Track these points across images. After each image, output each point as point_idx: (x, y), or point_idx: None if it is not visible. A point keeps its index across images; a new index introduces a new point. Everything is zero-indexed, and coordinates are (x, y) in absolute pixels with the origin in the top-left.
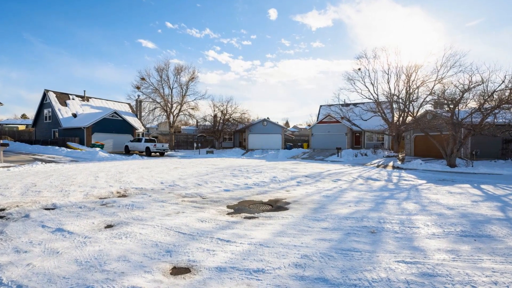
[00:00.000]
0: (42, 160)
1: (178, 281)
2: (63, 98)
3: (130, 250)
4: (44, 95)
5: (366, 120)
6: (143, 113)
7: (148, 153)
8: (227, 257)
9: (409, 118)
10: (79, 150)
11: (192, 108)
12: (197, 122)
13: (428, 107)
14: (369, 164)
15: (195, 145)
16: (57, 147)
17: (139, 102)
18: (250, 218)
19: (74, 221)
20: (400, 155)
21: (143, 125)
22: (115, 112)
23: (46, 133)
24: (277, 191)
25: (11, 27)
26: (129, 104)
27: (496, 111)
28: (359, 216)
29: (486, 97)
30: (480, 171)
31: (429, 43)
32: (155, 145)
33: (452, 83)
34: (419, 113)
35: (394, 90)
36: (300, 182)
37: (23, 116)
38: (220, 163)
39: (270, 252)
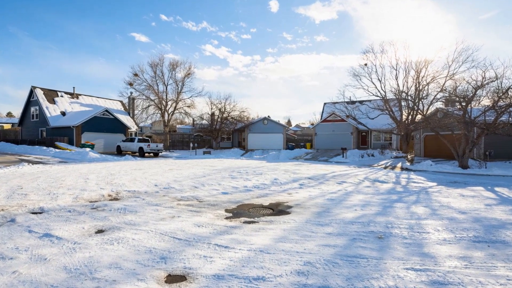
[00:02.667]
0: (29, 161)
1: None
2: (51, 95)
3: (122, 257)
4: (31, 92)
5: (373, 119)
6: (136, 111)
7: (141, 153)
8: (225, 264)
9: (419, 117)
10: (68, 151)
11: (188, 106)
12: (193, 120)
13: (439, 104)
14: (376, 165)
15: (191, 145)
16: (44, 147)
17: (131, 100)
18: (249, 222)
19: (63, 226)
20: (409, 156)
21: (136, 124)
22: (106, 110)
23: (33, 132)
24: (278, 194)
25: None
26: (121, 101)
27: (511, 109)
28: (365, 220)
29: (501, 94)
30: (494, 173)
31: (440, 37)
32: (149, 145)
33: (464, 79)
34: (429, 111)
35: (403, 86)
36: (303, 184)
37: (9, 114)
38: (218, 164)
39: (271, 258)
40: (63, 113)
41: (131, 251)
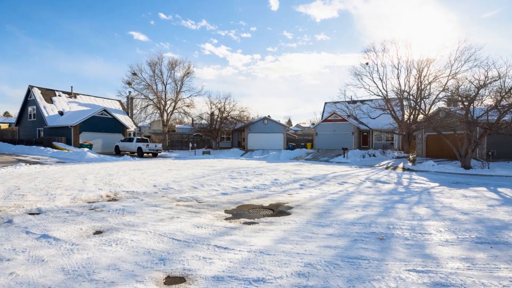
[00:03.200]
0: (26, 161)
1: None
2: (49, 94)
3: (120, 258)
4: (29, 92)
5: (374, 119)
6: (134, 111)
7: (140, 153)
8: (225, 265)
9: (421, 116)
10: (66, 151)
11: (188, 106)
12: (192, 120)
13: (441, 104)
14: (377, 165)
15: (190, 145)
16: (42, 148)
17: (130, 99)
18: (249, 223)
19: (61, 227)
20: (410, 156)
21: (134, 123)
22: (104, 110)
23: (31, 132)
24: (278, 194)
25: None
26: (119, 101)
27: None
28: (367, 221)
29: (504, 94)
30: (496, 173)
31: (442, 36)
32: (147, 145)
33: (466, 79)
34: (431, 111)
35: (405, 86)
36: (304, 185)
37: (6, 114)
38: (218, 165)
39: (271, 260)
40: (61, 113)
41: (130, 252)
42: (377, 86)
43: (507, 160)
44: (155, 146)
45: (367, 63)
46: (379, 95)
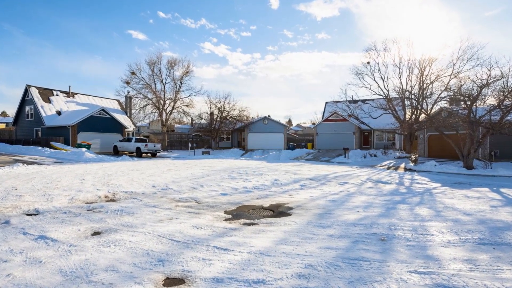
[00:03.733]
0: (23, 162)
1: None
2: (47, 94)
3: (119, 259)
4: (26, 91)
5: (375, 118)
6: (133, 111)
7: (138, 154)
8: (224, 266)
9: (423, 116)
10: (64, 151)
11: (187, 105)
12: (192, 120)
13: (443, 104)
14: (379, 165)
15: (189, 145)
16: (40, 148)
17: (129, 99)
18: (249, 224)
19: (58, 228)
20: (412, 156)
21: (133, 123)
22: (102, 109)
23: (28, 132)
24: (279, 195)
25: None
26: (118, 100)
27: None
28: (368, 222)
29: (506, 93)
30: (499, 174)
31: (444, 35)
32: (146, 145)
33: (469, 78)
34: (433, 111)
35: (406, 85)
36: (304, 185)
37: (3, 114)
38: (217, 165)
39: (272, 261)
40: (59, 113)
41: (128, 253)
42: (379, 86)
43: (510, 160)
44: (154, 146)
45: (368, 62)
46: (380, 95)
